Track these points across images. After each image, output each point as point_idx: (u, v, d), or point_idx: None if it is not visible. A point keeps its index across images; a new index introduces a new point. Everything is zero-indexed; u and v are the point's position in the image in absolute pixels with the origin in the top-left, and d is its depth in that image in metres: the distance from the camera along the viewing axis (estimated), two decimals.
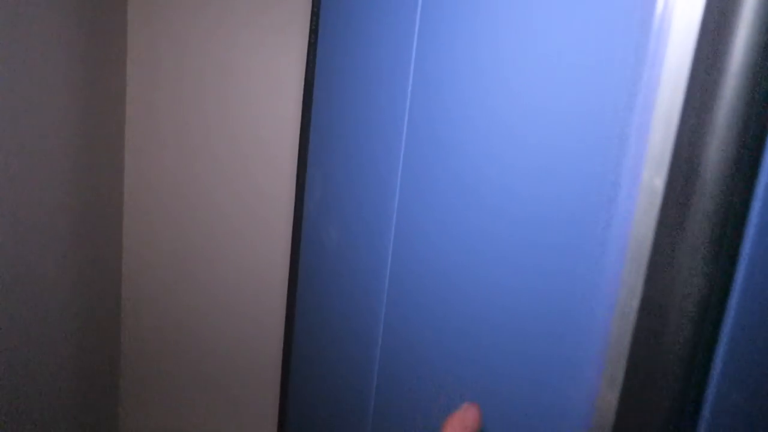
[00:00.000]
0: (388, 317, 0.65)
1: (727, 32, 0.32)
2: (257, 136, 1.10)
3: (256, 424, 1.18)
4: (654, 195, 0.35)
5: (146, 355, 1.19)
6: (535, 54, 0.43)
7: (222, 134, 1.11)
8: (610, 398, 0.38)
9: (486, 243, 0.49)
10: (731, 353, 0.35)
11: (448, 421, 0.38)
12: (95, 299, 1.08)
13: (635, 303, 0.36)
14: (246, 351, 1.17)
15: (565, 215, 0.41)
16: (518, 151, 0.45)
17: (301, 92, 0.96)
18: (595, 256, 0.39)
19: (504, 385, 0.47)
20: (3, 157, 0.75)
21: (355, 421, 0.71)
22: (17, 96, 0.76)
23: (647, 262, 0.36)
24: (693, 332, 0.35)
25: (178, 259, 1.16)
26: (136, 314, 1.18)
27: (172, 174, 1.13)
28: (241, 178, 1.11)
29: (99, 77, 1.01)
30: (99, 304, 1.10)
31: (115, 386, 1.21)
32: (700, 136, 0.33)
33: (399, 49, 0.63)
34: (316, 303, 0.87)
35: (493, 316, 0.48)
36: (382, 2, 0.69)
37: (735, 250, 0.34)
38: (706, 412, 0.36)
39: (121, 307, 1.18)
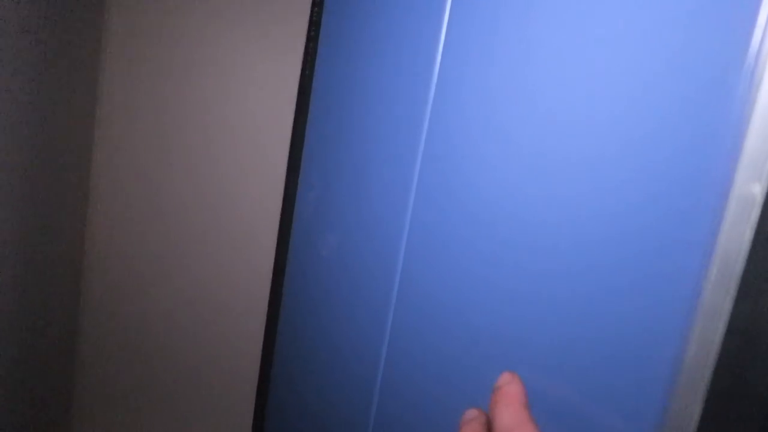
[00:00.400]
0: (395, 329, 0.59)
1: None
2: (244, 134, 1.02)
3: None
4: (750, 203, 0.31)
5: (106, 364, 1.08)
6: (617, 42, 0.39)
7: (204, 132, 1.02)
8: None
9: (520, 254, 0.44)
10: None
11: (497, 398, 0.32)
12: (52, 300, 0.97)
13: (720, 328, 0.32)
14: (220, 360, 1.07)
15: (632, 223, 0.36)
16: (576, 145, 0.40)
17: (295, 89, 0.90)
18: (669, 270, 0.34)
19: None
20: None
21: None
22: None
23: (738, 280, 0.31)
24: None
25: (148, 262, 1.06)
26: (98, 320, 1.07)
27: (146, 173, 1.04)
28: (223, 179, 1.03)
29: (69, 71, 0.92)
30: (54, 306, 0.98)
31: (69, 396, 1.08)
32: None
33: (423, 50, 0.58)
34: (306, 310, 0.79)
35: (529, 336, 0.43)
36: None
37: None
38: None
39: (80, 310, 1.07)
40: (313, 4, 0.87)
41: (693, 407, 0.32)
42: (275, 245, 0.91)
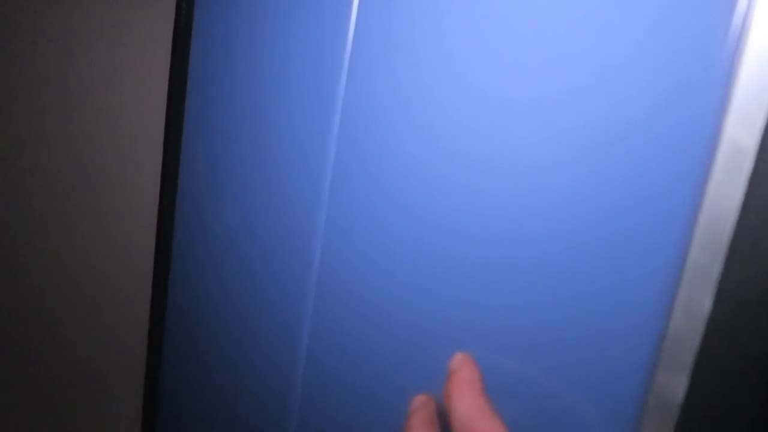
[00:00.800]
0: (318, 320, 0.51)
1: None
2: (104, 96, 0.84)
3: None
4: (741, 155, 0.28)
5: None
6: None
7: (54, 92, 0.82)
8: None
9: (463, 225, 0.39)
10: None
11: (452, 386, 0.29)
12: None
13: (708, 294, 0.29)
14: (93, 366, 0.91)
15: (610, 179, 0.32)
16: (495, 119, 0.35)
17: (170, 32, 0.75)
18: (651, 232, 0.31)
19: None
20: None
21: None
22: None
23: (728, 241, 0.29)
24: None
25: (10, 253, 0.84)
26: None
27: None
28: (81, 150, 0.85)
29: None
30: None
31: None
32: None
33: None
34: (200, 301, 0.68)
35: (484, 312, 0.38)
36: None
37: None
38: None
39: None
40: None
41: (679, 379, 0.30)
42: (155, 227, 0.77)
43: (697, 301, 0.29)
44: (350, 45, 0.47)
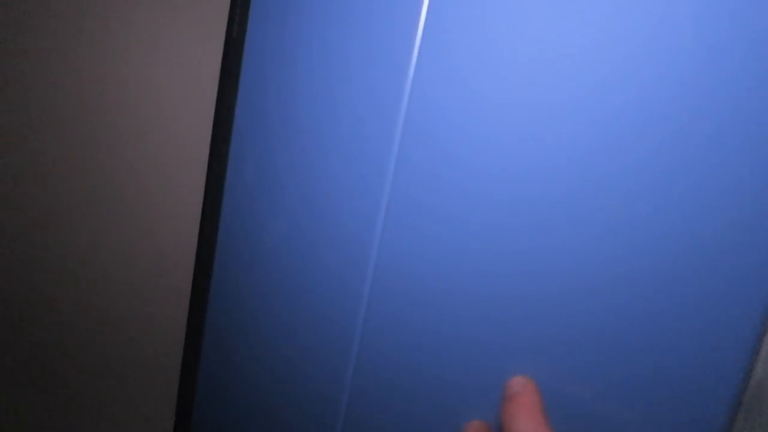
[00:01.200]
0: (368, 329, 0.50)
1: None
2: (152, 98, 0.85)
3: None
4: None
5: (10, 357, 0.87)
6: None
7: (100, 95, 0.83)
8: None
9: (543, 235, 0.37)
10: None
11: (513, 410, 0.29)
12: None
13: None
14: (131, 368, 0.91)
15: (701, 203, 0.31)
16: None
17: (222, 37, 0.75)
18: (744, 251, 0.29)
19: None
20: None
21: None
22: None
23: None
24: None
25: (47, 263, 0.86)
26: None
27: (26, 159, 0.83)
28: (128, 153, 0.86)
29: None
30: None
31: None
32: None
33: None
34: (244, 308, 0.67)
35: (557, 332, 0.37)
36: None
37: None
38: None
39: None
40: None
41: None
42: (197, 235, 0.77)
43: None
44: (417, 48, 0.46)
